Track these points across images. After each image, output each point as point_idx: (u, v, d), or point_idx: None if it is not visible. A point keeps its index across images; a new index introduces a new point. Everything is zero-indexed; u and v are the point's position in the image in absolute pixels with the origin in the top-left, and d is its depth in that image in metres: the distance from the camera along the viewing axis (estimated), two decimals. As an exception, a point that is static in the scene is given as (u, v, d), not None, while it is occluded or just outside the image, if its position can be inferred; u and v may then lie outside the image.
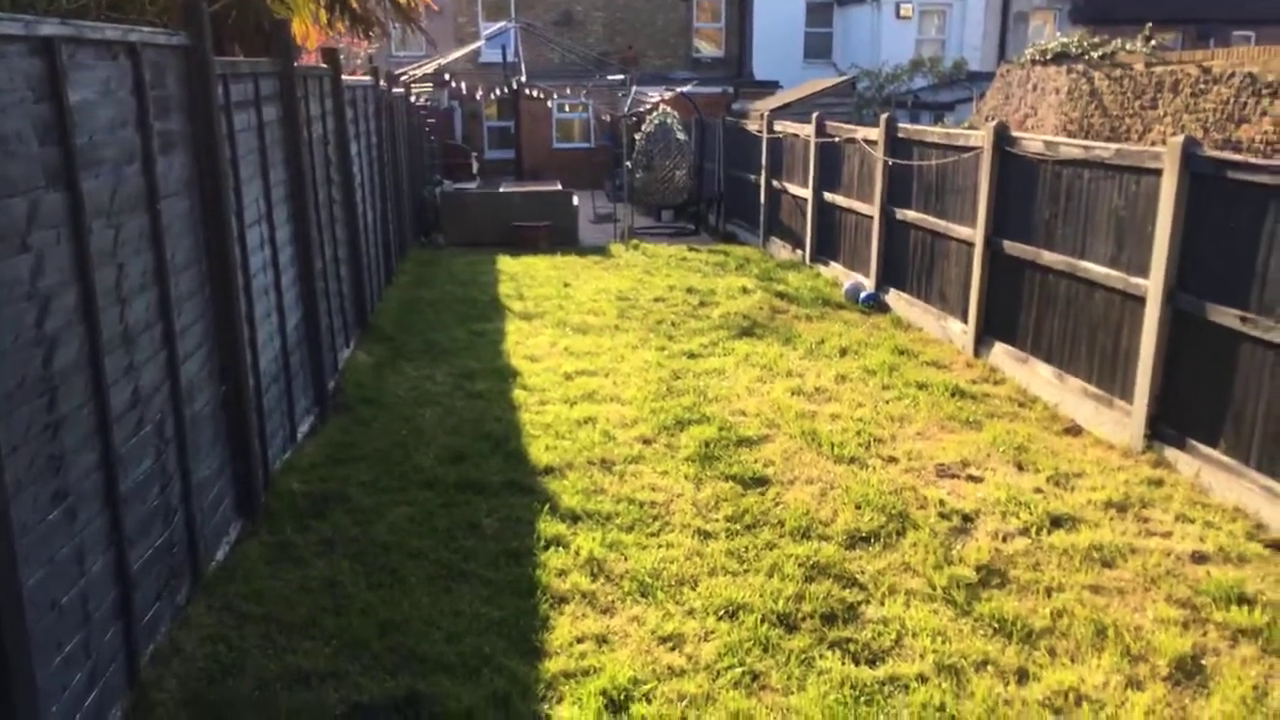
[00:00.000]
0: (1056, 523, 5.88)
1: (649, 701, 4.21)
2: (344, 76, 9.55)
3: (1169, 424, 6.82)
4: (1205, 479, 6.38)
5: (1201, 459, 6.45)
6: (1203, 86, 11.87)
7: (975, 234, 9.34)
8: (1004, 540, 5.70)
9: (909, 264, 11.12)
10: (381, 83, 13.30)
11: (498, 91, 23.55)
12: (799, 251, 14.91)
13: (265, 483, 6.10)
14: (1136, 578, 5.26)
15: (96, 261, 3.90)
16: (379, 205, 12.31)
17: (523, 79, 23.39)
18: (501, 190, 19.24)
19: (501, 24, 25.41)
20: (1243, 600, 4.97)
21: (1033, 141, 8.65)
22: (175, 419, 4.74)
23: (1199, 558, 5.47)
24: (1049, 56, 15.17)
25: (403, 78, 17.99)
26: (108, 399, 3.94)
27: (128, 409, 4.20)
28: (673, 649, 4.62)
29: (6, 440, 3.19)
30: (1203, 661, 4.52)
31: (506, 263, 15.10)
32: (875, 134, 11.65)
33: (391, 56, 25.09)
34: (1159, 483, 6.47)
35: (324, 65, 9.17)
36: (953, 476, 6.67)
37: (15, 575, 3.15)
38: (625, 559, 5.44)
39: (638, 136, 19.60)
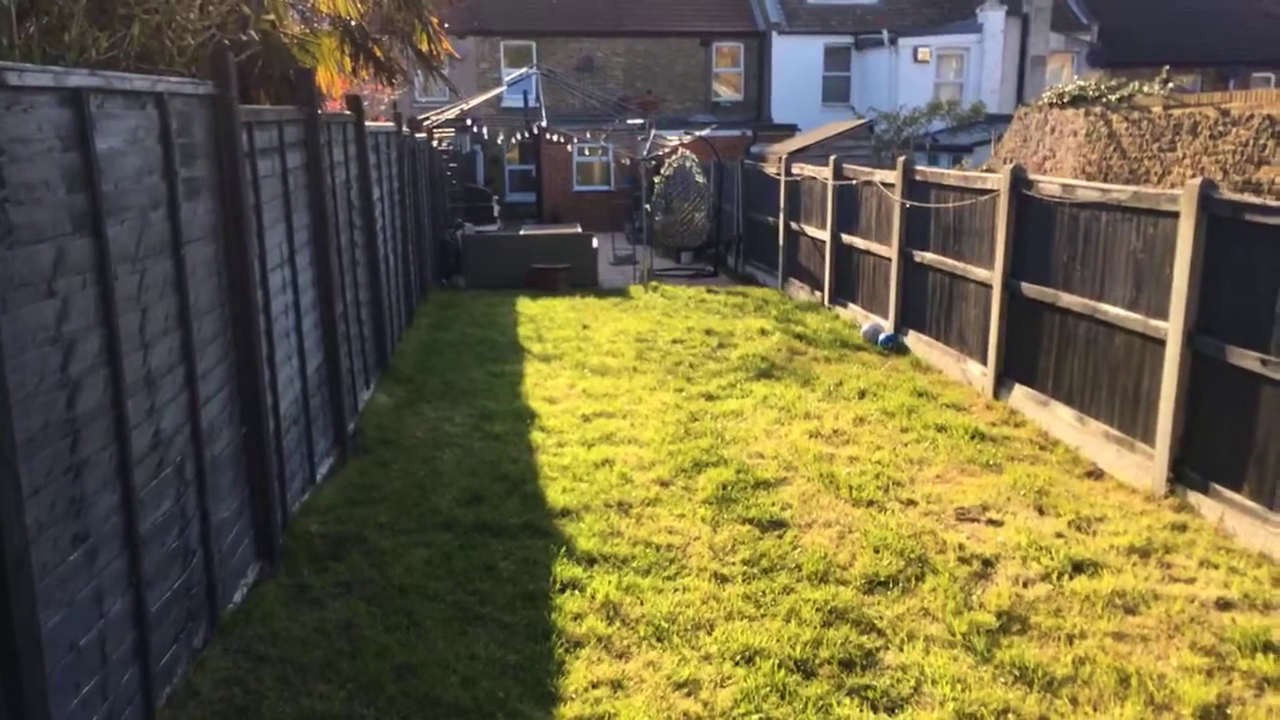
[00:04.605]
0: (1078, 568, 5.81)
1: (664, 748, 4.18)
2: (367, 122, 9.72)
3: (1192, 468, 6.75)
4: (1229, 524, 6.30)
5: (1225, 504, 6.37)
6: (1221, 129, 11.86)
7: (993, 276, 9.34)
8: (1025, 586, 5.64)
9: (927, 306, 11.11)
10: (404, 128, 13.51)
11: (519, 136, 23.86)
12: (817, 293, 14.94)
13: (283, 524, 6.13)
14: (1160, 625, 5.18)
15: (121, 306, 3.96)
16: (400, 248, 12.45)
17: (544, 124, 23.70)
18: (522, 233, 19.41)
19: (523, 70, 25.78)
20: (1268, 648, 4.89)
21: (1050, 184, 8.66)
22: (195, 461, 4.78)
23: (1224, 604, 5.39)
24: (1066, 99, 15.21)
25: (426, 123, 18.26)
26: (129, 442, 3.98)
27: (149, 451, 4.24)
28: (688, 695, 4.58)
29: (29, 482, 3.23)
30: (1228, 711, 4.44)
31: (526, 305, 15.19)
32: (893, 177, 11.71)
33: (415, 102, 25.50)
34: (1182, 528, 6.40)
35: (348, 112, 9.34)
36: (972, 520, 6.61)
37: (35, 617, 3.17)
38: (641, 603, 5.42)
39: (657, 180, 19.77)
